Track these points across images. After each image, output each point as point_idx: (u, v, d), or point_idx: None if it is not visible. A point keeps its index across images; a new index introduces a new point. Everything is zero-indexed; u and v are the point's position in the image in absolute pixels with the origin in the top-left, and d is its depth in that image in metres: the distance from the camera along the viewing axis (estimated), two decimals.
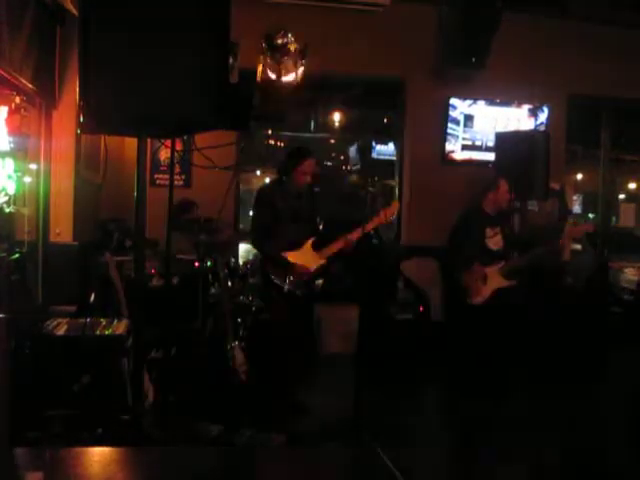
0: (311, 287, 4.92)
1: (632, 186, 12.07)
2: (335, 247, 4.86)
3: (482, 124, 7.73)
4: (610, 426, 5.03)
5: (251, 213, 6.22)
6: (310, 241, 4.88)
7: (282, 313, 4.87)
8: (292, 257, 4.78)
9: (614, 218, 9.45)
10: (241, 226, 7.69)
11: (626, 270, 8.36)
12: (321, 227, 5.20)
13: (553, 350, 6.55)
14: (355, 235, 4.79)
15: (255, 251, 6.38)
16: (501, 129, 7.60)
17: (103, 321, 4.06)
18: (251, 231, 5.26)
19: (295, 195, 4.88)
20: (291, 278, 4.78)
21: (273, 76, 4.22)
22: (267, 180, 7.04)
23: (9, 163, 4.47)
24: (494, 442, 4.69)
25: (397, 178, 7.94)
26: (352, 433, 4.36)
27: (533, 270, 5.61)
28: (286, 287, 4.77)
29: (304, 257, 4.80)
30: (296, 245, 4.87)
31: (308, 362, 4.98)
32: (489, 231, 5.53)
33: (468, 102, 7.65)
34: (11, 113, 4.51)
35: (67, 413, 3.75)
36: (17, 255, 4.51)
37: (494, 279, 5.42)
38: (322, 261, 4.84)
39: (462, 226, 5.55)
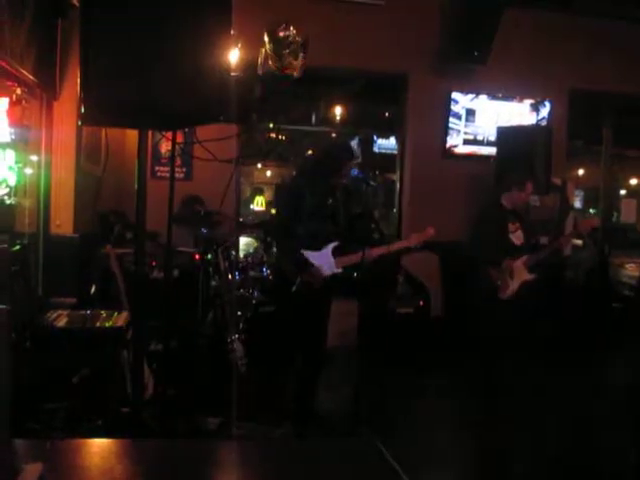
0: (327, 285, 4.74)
1: (633, 182, 12.06)
2: (354, 259, 4.73)
3: (484, 118, 7.72)
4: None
5: (275, 205, 6.13)
6: (332, 245, 4.70)
7: (289, 312, 4.80)
8: (311, 258, 4.64)
9: (615, 214, 9.44)
10: (241, 219, 7.69)
11: (627, 266, 8.36)
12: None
13: (554, 344, 6.57)
14: (377, 252, 4.66)
15: (257, 244, 6.37)
16: (503, 124, 7.59)
17: (103, 313, 4.06)
18: (276, 224, 5.10)
19: (327, 193, 4.68)
20: (300, 280, 4.63)
21: (274, 69, 4.21)
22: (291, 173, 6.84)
23: (10, 154, 4.46)
24: (496, 434, 4.70)
25: (398, 172, 7.93)
26: (352, 426, 4.37)
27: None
28: (294, 287, 4.67)
29: (322, 261, 4.67)
30: (318, 246, 4.76)
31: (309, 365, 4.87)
32: (511, 226, 5.58)
33: (470, 96, 7.64)
34: (12, 104, 4.50)
35: (67, 405, 3.76)
36: (18, 247, 4.50)
37: (520, 273, 5.50)
38: (338, 269, 4.71)
39: (487, 222, 5.57)
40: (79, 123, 5.22)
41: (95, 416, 3.78)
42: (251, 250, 6.29)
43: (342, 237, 4.78)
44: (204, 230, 5.32)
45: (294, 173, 6.24)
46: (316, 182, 4.64)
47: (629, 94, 7.96)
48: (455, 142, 7.66)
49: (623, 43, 7.70)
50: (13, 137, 4.49)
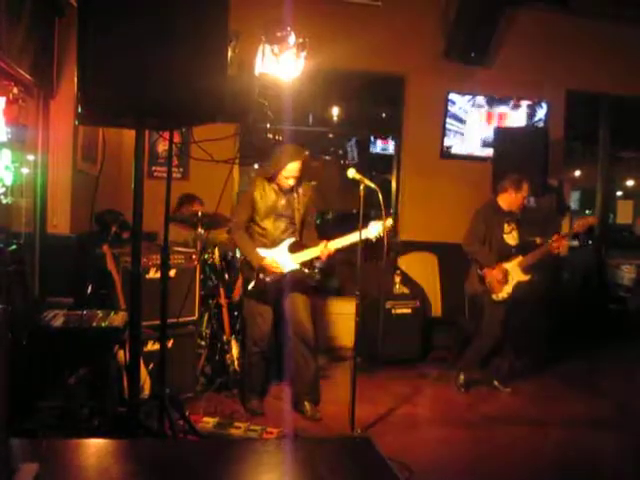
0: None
1: (630, 183, 12.09)
2: (310, 254, 4.77)
3: (481, 119, 7.73)
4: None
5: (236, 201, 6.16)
6: (287, 242, 4.77)
7: (254, 310, 4.85)
8: (266, 255, 4.70)
9: (611, 215, 9.46)
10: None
11: (623, 267, 8.38)
12: (318, 222, 5.11)
13: (551, 346, 6.59)
14: (334, 247, 4.68)
15: None
16: (500, 125, 7.60)
17: (100, 313, 4.06)
18: (231, 217, 5.20)
19: (282, 191, 4.77)
20: (261, 276, 4.70)
21: (272, 69, 4.21)
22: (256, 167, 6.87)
23: (6, 154, 4.45)
24: (492, 437, 4.71)
25: (395, 173, 7.93)
26: (347, 426, 4.38)
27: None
28: (250, 286, 4.73)
29: (278, 257, 4.72)
30: (273, 243, 4.78)
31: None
32: (506, 227, 5.60)
33: (467, 97, 7.64)
34: (9, 103, 4.50)
35: (63, 404, 3.76)
36: (14, 246, 4.50)
37: (515, 274, 5.52)
38: (295, 266, 4.74)
39: (482, 222, 5.60)
40: (76, 122, 5.22)
41: (91, 416, 3.78)
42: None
43: (303, 234, 4.84)
44: (200, 230, 5.32)
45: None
46: (270, 179, 4.74)
47: (626, 95, 7.97)
48: (452, 143, 7.66)
49: (620, 44, 7.70)
50: (10, 136, 4.48)
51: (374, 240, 4.59)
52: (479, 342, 5.63)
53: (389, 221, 4.60)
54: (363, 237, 4.45)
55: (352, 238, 4.59)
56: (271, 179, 4.77)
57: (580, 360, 6.70)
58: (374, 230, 4.57)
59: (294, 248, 4.77)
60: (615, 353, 6.91)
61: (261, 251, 4.72)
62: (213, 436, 4.24)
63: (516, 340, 5.68)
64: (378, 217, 4.53)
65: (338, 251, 4.73)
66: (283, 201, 4.77)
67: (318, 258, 4.78)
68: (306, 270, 4.78)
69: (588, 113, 8.38)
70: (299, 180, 4.77)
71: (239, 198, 4.93)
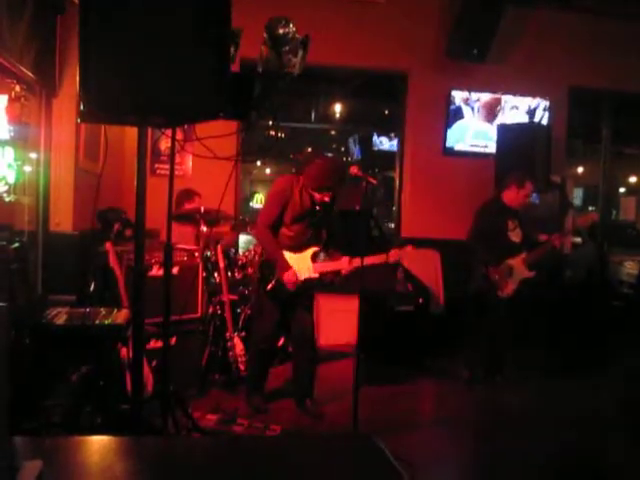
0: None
1: (633, 180, 12.07)
2: (331, 267, 4.78)
3: (483, 116, 7.72)
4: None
5: (263, 200, 6.12)
6: (312, 250, 4.75)
7: (266, 311, 4.84)
8: (290, 259, 4.70)
9: (614, 211, 9.45)
10: (241, 217, 7.69)
11: (626, 263, 8.36)
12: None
13: (553, 343, 6.57)
14: (354, 264, 4.70)
15: (255, 242, 6.35)
16: (502, 121, 7.59)
17: (103, 310, 4.06)
18: (260, 216, 5.15)
19: (312, 202, 4.69)
20: (274, 281, 4.69)
21: (274, 66, 4.20)
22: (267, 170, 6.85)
23: (9, 152, 4.46)
24: (494, 435, 4.70)
25: (398, 169, 7.93)
26: (350, 424, 4.37)
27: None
28: (269, 285, 4.72)
29: (299, 264, 4.71)
30: (298, 248, 4.77)
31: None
32: (510, 224, 5.60)
33: (470, 94, 7.63)
34: (11, 102, 4.50)
35: (66, 402, 3.76)
36: (17, 244, 4.50)
37: (519, 270, 5.52)
38: (314, 275, 4.75)
39: (486, 219, 5.60)
40: (78, 120, 5.22)
41: (95, 413, 3.78)
42: (250, 247, 6.29)
43: (327, 243, 4.82)
44: (203, 227, 5.32)
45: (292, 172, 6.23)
46: (302, 190, 4.67)
47: (628, 92, 7.95)
48: (454, 139, 7.66)
49: (622, 41, 7.69)
50: (12, 134, 4.48)
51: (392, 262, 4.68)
52: (483, 339, 5.63)
53: (409, 248, 4.66)
54: (384, 260, 4.50)
55: (375, 260, 4.63)
56: (307, 186, 4.69)
57: (583, 357, 6.68)
58: (393, 257, 4.71)
59: (317, 257, 4.78)
60: (618, 350, 6.90)
61: (286, 254, 4.69)
62: (216, 433, 4.25)
63: (519, 337, 5.68)
64: (398, 243, 4.61)
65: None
66: (317, 208, 4.72)
67: (339, 272, 4.78)
68: (322, 280, 4.80)
69: (591, 110, 8.37)
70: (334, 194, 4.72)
71: (270, 198, 4.85)
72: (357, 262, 4.61)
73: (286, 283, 4.65)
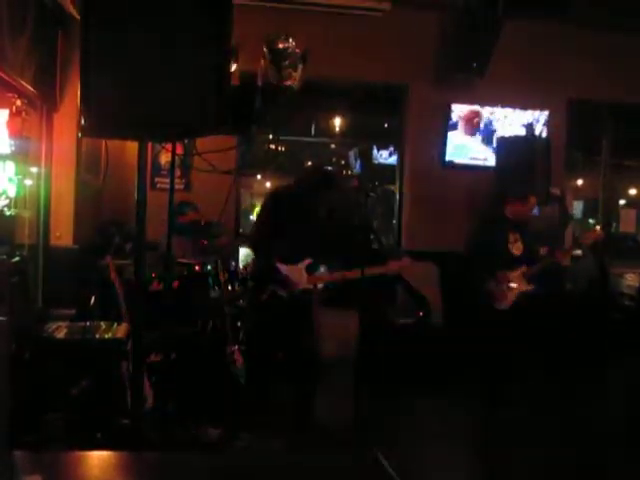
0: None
1: (633, 192, 12.07)
2: (327, 278, 4.77)
3: (483, 129, 7.73)
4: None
5: (256, 212, 6.10)
6: (306, 261, 4.76)
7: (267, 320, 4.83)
8: (284, 270, 4.69)
9: (614, 224, 9.44)
10: (241, 230, 7.69)
11: (627, 276, 8.35)
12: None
13: (554, 356, 6.55)
14: (352, 275, 4.68)
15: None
16: (502, 134, 7.61)
17: (103, 325, 4.06)
18: (253, 231, 5.14)
19: (307, 213, 4.68)
20: (270, 290, 4.67)
21: (274, 80, 4.21)
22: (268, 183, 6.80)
23: (10, 166, 4.47)
24: (495, 447, 4.68)
25: (398, 183, 7.94)
26: (352, 438, 4.35)
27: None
28: (264, 296, 4.71)
29: (294, 275, 4.71)
30: (292, 259, 4.75)
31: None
32: (511, 237, 5.60)
33: (469, 107, 7.65)
34: (12, 116, 4.52)
35: (66, 416, 3.75)
36: (17, 258, 4.50)
37: (519, 283, 5.51)
38: (308, 285, 4.74)
39: (487, 231, 5.60)
40: (79, 135, 5.23)
41: (94, 428, 3.77)
42: (250, 260, 6.29)
43: (321, 255, 4.81)
44: (203, 241, 5.31)
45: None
46: (296, 196, 4.68)
47: (627, 104, 7.98)
48: (454, 152, 7.67)
49: (620, 54, 7.72)
50: (13, 149, 4.50)
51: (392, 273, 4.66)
52: (482, 352, 5.61)
53: (407, 260, 4.65)
54: (383, 271, 4.49)
55: (373, 271, 4.60)
56: (297, 195, 4.68)
57: (585, 370, 6.66)
58: (393, 268, 4.71)
59: (312, 269, 4.77)
60: (619, 362, 6.88)
61: (280, 266, 4.68)
62: (217, 448, 4.23)
63: (520, 350, 5.66)
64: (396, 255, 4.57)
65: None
66: (309, 218, 4.72)
67: (334, 283, 4.78)
68: (316, 290, 4.79)
69: (590, 122, 8.38)
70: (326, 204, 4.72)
71: (263, 211, 4.86)
72: (354, 274, 4.62)
73: (282, 293, 4.64)
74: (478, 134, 7.70)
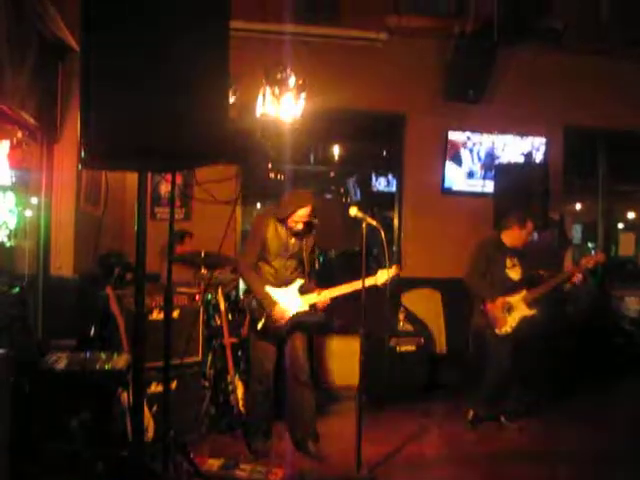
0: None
1: (631, 215, 12.14)
2: (311, 299, 4.83)
3: (481, 156, 7.79)
4: None
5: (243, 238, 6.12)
6: (299, 283, 4.80)
7: (261, 350, 4.84)
8: (276, 295, 4.72)
9: (614, 247, 9.47)
10: None
11: (627, 299, 8.35)
12: (321, 260, 5.11)
13: (555, 379, 6.53)
14: (329, 296, 4.75)
15: None
16: (500, 161, 7.66)
17: (103, 355, 4.04)
18: (240, 256, 5.18)
19: (291, 231, 4.79)
20: (264, 320, 4.70)
21: (273, 111, 4.26)
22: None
23: (10, 197, 4.49)
24: (499, 474, 4.65)
25: (397, 210, 7.97)
26: (353, 465, 4.32)
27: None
28: (259, 325, 4.72)
29: (288, 298, 4.74)
30: (282, 283, 4.81)
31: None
32: (508, 262, 5.63)
33: (467, 135, 7.71)
34: (13, 148, 4.55)
35: (67, 448, 3.73)
36: (17, 289, 4.51)
37: (519, 308, 5.53)
38: (305, 308, 4.78)
39: (484, 256, 5.63)
40: (79, 167, 5.27)
41: (95, 459, 3.74)
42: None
43: (309, 275, 4.85)
44: (204, 271, 5.32)
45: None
46: (276, 223, 4.75)
47: (622, 130, 8.03)
48: (453, 179, 7.72)
49: (615, 80, 7.79)
50: (14, 180, 4.52)
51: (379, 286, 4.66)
52: (486, 378, 5.60)
53: (395, 269, 4.66)
54: (367, 284, 4.48)
55: (353, 286, 4.64)
56: (282, 220, 4.77)
57: (586, 395, 6.64)
58: (381, 279, 4.66)
59: (304, 289, 4.80)
60: (620, 387, 6.86)
61: (271, 290, 4.73)
62: (218, 478, 4.20)
63: (523, 376, 5.65)
64: (384, 265, 4.57)
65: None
66: (293, 240, 4.79)
67: (327, 302, 4.81)
68: (313, 311, 4.81)
69: (586, 148, 8.43)
70: (309, 223, 4.78)
71: (249, 237, 4.93)
72: (329, 293, 4.73)
73: (276, 320, 4.67)
74: (467, 161, 7.75)
